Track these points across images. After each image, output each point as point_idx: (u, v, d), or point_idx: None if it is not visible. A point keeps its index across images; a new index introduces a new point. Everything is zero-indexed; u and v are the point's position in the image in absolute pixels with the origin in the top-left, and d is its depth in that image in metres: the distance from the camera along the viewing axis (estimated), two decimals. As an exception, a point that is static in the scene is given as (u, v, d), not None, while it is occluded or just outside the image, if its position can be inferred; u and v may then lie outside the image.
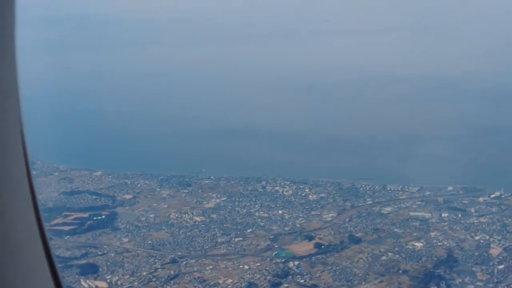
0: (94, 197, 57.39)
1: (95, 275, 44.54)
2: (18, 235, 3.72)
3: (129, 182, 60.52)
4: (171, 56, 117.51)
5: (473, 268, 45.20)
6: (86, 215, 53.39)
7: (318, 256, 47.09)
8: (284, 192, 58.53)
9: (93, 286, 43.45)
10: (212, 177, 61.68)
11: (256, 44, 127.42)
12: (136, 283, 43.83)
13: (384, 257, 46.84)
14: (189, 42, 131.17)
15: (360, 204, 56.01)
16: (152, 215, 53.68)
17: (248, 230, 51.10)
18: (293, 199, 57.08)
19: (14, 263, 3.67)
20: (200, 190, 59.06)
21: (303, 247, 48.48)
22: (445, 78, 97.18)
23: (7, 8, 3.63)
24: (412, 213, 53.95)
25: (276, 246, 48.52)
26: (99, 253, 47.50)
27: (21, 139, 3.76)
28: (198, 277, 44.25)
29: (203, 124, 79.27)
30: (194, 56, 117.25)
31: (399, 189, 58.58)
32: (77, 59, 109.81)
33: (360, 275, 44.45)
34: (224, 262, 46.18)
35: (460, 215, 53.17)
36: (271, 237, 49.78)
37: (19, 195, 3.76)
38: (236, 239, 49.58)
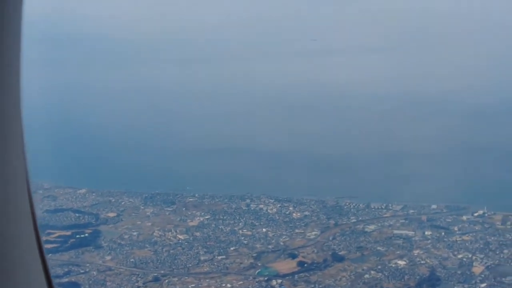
0: (77, 215, 57.23)
1: (77, 294, 44.39)
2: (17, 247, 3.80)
3: (113, 200, 60.39)
4: (159, 73, 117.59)
5: (455, 287, 45.34)
6: (69, 233, 53.21)
7: (301, 274, 47.11)
8: (268, 210, 58.55)
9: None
10: (196, 195, 61.65)
11: (242, 63, 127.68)
12: (118, 301, 43.69)
13: (367, 275, 46.91)
14: (178, 60, 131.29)
15: (344, 222, 56.07)
16: (135, 233, 53.56)
17: (232, 248, 51.05)
18: (277, 217, 57.10)
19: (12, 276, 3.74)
20: (184, 208, 58.99)
21: (286, 265, 48.48)
22: (429, 96, 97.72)
23: (14, 21, 3.73)
24: (395, 231, 54.08)
25: (259, 264, 48.50)
26: (81, 271, 47.36)
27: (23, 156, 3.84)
28: (181, 296, 44.17)
29: (188, 142, 79.33)
30: (182, 74, 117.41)
31: (383, 207, 58.71)
32: (69, 76, 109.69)
33: (342, 293, 44.49)
34: (207, 280, 46.13)
35: (443, 233, 53.34)
36: (254, 255, 49.76)
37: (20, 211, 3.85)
38: (219, 257, 49.53)
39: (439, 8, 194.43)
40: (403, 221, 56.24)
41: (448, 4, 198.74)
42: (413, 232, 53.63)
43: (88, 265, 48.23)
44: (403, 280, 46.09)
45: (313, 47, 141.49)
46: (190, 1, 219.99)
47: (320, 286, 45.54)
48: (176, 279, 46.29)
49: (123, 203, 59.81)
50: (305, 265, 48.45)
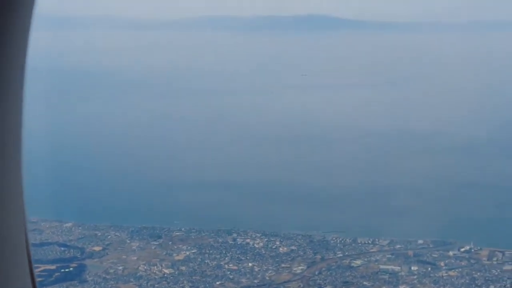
0: (63, 249, 56.95)
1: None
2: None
3: (99, 234, 60.14)
4: (146, 106, 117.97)
5: (441, 322, 45.21)
6: (53, 267, 52.91)
7: (287, 309, 46.95)
8: (255, 245, 58.39)
9: None
10: (183, 229, 61.49)
11: (233, 96, 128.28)
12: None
13: (352, 311, 46.78)
14: (166, 93, 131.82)
15: (330, 257, 55.95)
16: (120, 267, 53.29)
17: (217, 283, 50.87)
18: (264, 252, 56.95)
19: None
20: (170, 242, 58.78)
21: (272, 300, 48.30)
22: (417, 131, 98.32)
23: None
24: (382, 266, 53.98)
25: (245, 299, 48.35)
26: (66, 305, 47.08)
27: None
28: (165, 331, 43.86)
29: (176, 176, 79.35)
30: (169, 107, 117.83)
31: (370, 242, 58.65)
32: (54, 109, 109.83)
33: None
34: (192, 315, 45.88)
35: (429, 269, 53.28)
36: (240, 289, 49.64)
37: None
38: (205, 292, 49.38)
39: (428, 45, 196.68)
40: (390, 256, 56.18)
41: (437, 42, 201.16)
42: (400, 267, 53.54)
43: (72, 299, 47.95)
44: (388, 315, 45.94)
45: (304, 82, 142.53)
46: (184, 39, 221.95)
47: (306, 321, 45.32)
48: (160, 314, 46.00)
49: (109, 237, 59.57)
50: (291, 300, 48.27)
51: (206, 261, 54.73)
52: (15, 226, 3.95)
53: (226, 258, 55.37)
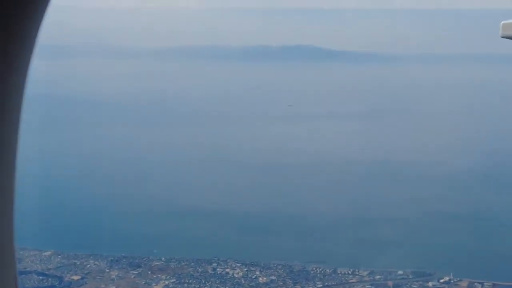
0: (41, 277, 56.63)
1: None
2: None
3: (78, 263, 59.85)
4: (128, 135, 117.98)
5: None
6: (31, 296, 52.61)
7: None
8: (235, 274, 58.20)
9: None
10: (163, 258, 61.25)
11: (215, 127, 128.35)
12: None
13: None
14: (153, 120, 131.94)
15: (310, 287, 55.84)
16: (98, 297, 53.04)
17: (195, 313, 50.64)
18: (243, 281, 56.78)
19: None
20: (149, 272, 58.53)
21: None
22: (400, 163, 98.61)
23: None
24: (361, 297, 53.95)
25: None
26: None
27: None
28: None
29: (156, 204, 79.08)
30: (151, 136, 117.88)
31: (350, 272, 58.59)
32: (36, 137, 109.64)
33: None
34: None
35: (409, 300, 53.28)
36: (217, 320, 49.35)
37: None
38: (182, 322, 49.08)
39: (412, 76, 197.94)
40: (370, 286, 56.17)
41: (422, 73, 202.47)
42: (379, 298, 53.49)
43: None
44: None
45: (290, 111, 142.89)
46: (173, 67, 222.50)
47: None
48: None
49: (88, 265, 59.28)
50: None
51: (185, 291, 54.55)
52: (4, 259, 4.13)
53: (205, 288, 55.24)
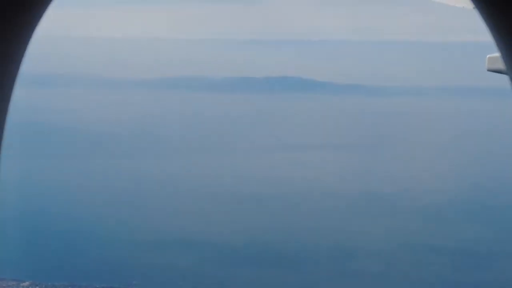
0: (18, 308, 55.81)
1: None
2: None
3: (57, 294, 59.12)
4: (109, 165, 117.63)
5: None
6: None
7: None
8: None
9: None
10: (142, 290, 60.67)
11: (198, 157, 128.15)
12: None
13: None
14: (134, 151, 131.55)
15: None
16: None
17: None
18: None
19: None
20: (129, 303, 57.89)
21: None
22: (381, 194, 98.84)
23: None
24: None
25: None
26: None
27: None
28: None
29: (138, 234, 78.52)
30: (132, 166, 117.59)
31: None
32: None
33: None
34: None
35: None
36: None
37: None
38: None
39: (396, 108, 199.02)
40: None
41: (405, 105, 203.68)
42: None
43: None
44: None
45: (274, 142, 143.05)
46: (157, 98, 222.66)
47: None
48: None
49: (66, 297, 58.54)
50: None
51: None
52: None
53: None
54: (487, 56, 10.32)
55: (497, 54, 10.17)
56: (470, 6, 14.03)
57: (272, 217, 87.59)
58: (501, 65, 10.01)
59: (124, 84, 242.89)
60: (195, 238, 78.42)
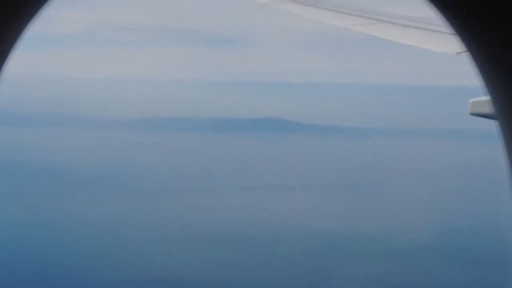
0: None
1: None
2: None
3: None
4: (87, 207, 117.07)
5: None
6: None
7: None
8: None
9: None
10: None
11: (178, 199, 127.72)
12: None
13: None
14: (114, 192, 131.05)
15: None
16: None
17: None
18: None
19: None
20: None
21: None
22: (368, 235, 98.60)
23: None
24: None
25: None
26: None
27: None
28: None
29: (114, 276, 77.78)
30: (112, 209, 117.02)
31: None
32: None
33: None
34: None
35: None
36: None
37: None
38: None
39: (383, 150, 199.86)
40: None
41: (389, 150, 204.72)
42: None
43: None
44: None
45: (256, 183, 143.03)
46: (138, 139, 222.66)
47: None
48: None
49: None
50: None
51: None
52: None
53: None
54: (470, 100, 9.99)
55: (479, 98, 9.91)
56: (455, 51, 13.86)
57: (247, 257, 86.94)
58: (483, 109, 9.70)
59: (107, 123, 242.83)
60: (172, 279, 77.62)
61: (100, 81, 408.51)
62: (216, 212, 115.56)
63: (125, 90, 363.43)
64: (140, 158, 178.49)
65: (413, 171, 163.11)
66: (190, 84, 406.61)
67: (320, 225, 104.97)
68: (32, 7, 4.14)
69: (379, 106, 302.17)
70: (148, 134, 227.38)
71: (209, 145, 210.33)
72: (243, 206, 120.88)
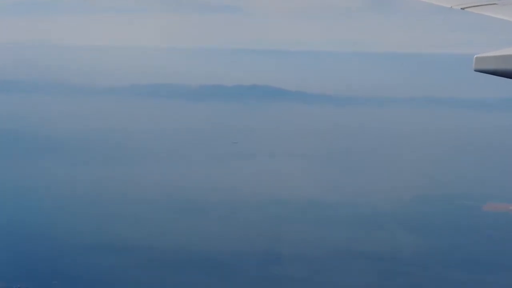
0: None
1: None
2: None
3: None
4: (74, 173, 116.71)
5: None
6: None
7: None
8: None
9: None
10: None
11: (161, 165, 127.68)
12: None
13: None
14: (99, 160, 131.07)
15: None
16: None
17: None
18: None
19: None
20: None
21: None
22: (327, 203, 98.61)
23: None
24: None
25: None
26: None
27: None
28: None
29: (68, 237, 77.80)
30: (97, 174, 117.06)
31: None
32: None
33: None
34: None
35: None
36: None
37: None
38: None
39: (369, 119, 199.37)
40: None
41: (379, 116, 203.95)
42: None
43: None
44: None
45: (232, 150, 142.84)
46: (126, 105, 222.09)
47: None
48: None
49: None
50: None
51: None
52: None
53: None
54: (475, 56, 10.21)
55: (484, 54, 9.98)
56: (458, 6, 13.54)
57: (209, 224, 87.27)
58: (488, 65, 9.77)
59: (94, 91, 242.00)
60: (132, 243, 77.89)
61: (91, 48, 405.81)
62: (190, 179, 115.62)
63: (112, 57, 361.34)
64: (127, 124, 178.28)
65: (404, 139, 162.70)
66: (178, 51, 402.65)
67: (288, 192, 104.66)
68: None
69: (373, 75, 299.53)
70: (138, 100, 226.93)
71: (194, 112, 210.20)
72: (215, 174, 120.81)
